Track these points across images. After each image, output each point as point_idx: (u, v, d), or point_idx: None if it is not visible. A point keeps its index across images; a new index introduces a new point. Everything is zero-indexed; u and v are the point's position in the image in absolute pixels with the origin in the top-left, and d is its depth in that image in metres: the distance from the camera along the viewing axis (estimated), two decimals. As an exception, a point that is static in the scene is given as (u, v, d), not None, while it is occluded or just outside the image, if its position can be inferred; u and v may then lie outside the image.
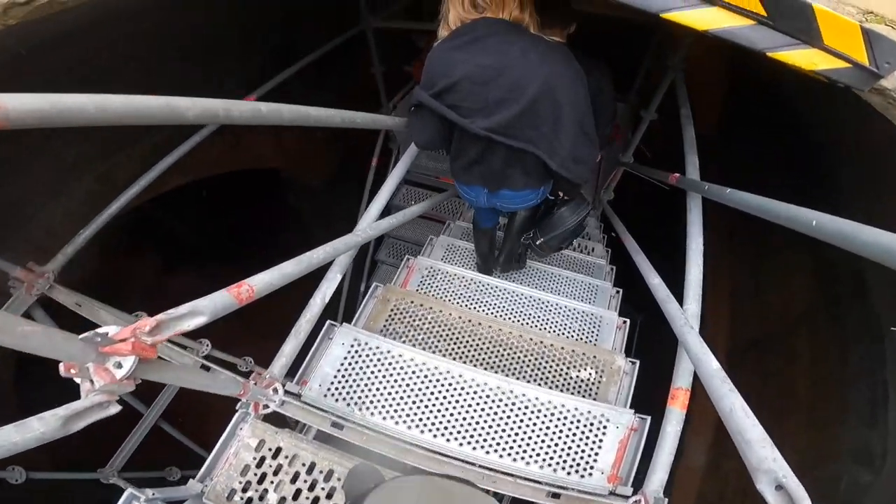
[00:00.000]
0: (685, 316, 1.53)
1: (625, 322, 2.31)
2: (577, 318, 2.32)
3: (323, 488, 1.44)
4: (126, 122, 0.80)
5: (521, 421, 1.64)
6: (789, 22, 1.21)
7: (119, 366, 0.85)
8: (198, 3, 2.66)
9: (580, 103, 1.53)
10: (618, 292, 2.63)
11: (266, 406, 1.56)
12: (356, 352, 1.83)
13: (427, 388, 1.73)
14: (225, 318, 1.07)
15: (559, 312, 2.33)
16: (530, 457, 1.57)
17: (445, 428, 1.63)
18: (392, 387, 1.74)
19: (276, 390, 1.58)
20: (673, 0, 1.27)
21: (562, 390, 1.86)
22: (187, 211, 5.31)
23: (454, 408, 1.67)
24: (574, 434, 1.62)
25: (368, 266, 4.83)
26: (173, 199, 4.33)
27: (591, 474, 1.53)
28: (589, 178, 2.29)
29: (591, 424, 1.64)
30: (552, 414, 1.66)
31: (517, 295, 2.41)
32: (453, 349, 2.02)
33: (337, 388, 1.73)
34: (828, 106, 2.04)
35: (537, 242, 2.27)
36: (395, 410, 1.67)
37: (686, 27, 1.28)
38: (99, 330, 0.83)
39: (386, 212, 4.64)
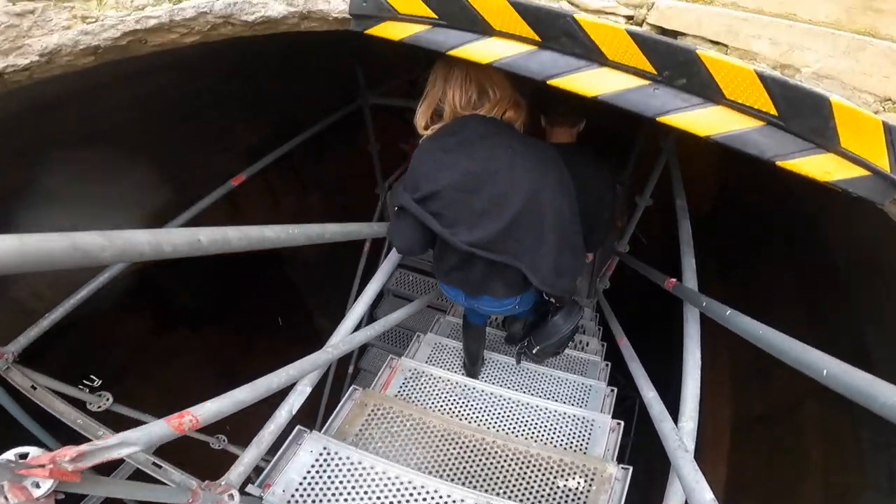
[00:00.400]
0: (680, 436, 1.41)
1: (619, 424, 2.18)
2: (567, 422, 2.19)
3: None
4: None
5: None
6: (803, 121, 1.04)
7: (37, 485, 0.80)
8: (206, 69, 2.75)
9: (565, 215, 1.49)
10: (612, 391, 2.50)
11: (220, 512, 1.41)
12: (325, 460, 1.73)
13: (399, 505, 1.58)
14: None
15: (548, 417, 2.20)
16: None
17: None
18: (361, 501, 1.62)
19: (231, 497, 1.45)
20: (671, 101, 1.14)
21: (548, 501, 1.74)
22: (182, 275, 5.29)
23: (427, 529, 1.51)
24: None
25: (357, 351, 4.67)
26: (169, 263, 4.33)
27: None
28: (575, 290, 2.23)
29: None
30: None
31: (504, 399, 2.30)
32: (432, 460, 1.87)
33: (302, 496, 1.64)
34: (832, 199, 2.00)
35: (533, 351, 2.19)
36: (363, 527, 1.51)
37: (686, 132, 1.16)
38: (20, 450, 0.82)
39: (378, 298, 4.55)
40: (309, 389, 1.57)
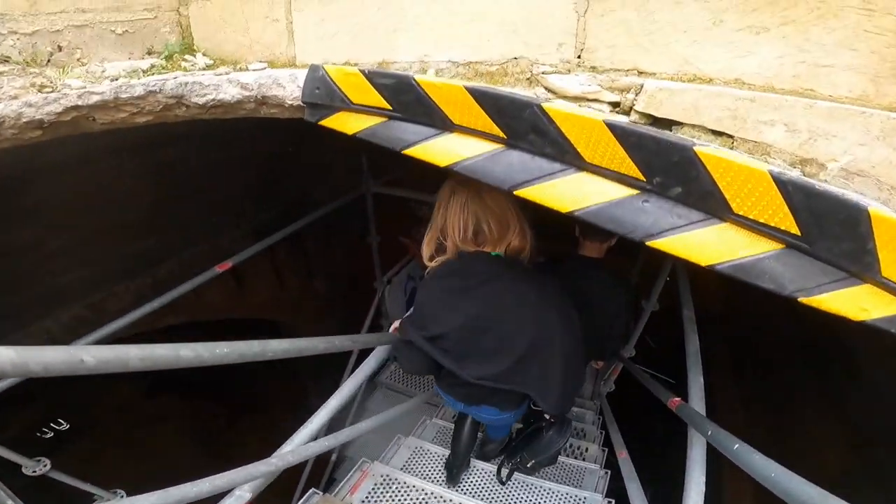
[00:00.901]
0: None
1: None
2: (556, 543, 1.82)
3: None
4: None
5: None
6: (833, 244, 0.78)
7: None
8: (223, 141, 2.92)
9: (570, 349, 1.49)
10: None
11: None
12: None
13: None
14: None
15: (535, 537, 1.84)
16: None
17: None
18: None
19: None
20: (664, 217, 0.89)
21: None
22: (177, 340, 5.21)
23: None
24: None
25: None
26: (165, 334, 4.30)
27: None
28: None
29: None
30: None
31: (483, 517, 1.99)
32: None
33: None
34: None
35: (528, 465, 2.11)
36: None
37: (685, 260, 0.91)
38: None
39: (371, 388, 4.26)
40: (249, 496, 1.35)
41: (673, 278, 2.55)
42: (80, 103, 1.12)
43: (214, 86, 1.23)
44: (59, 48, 1.14)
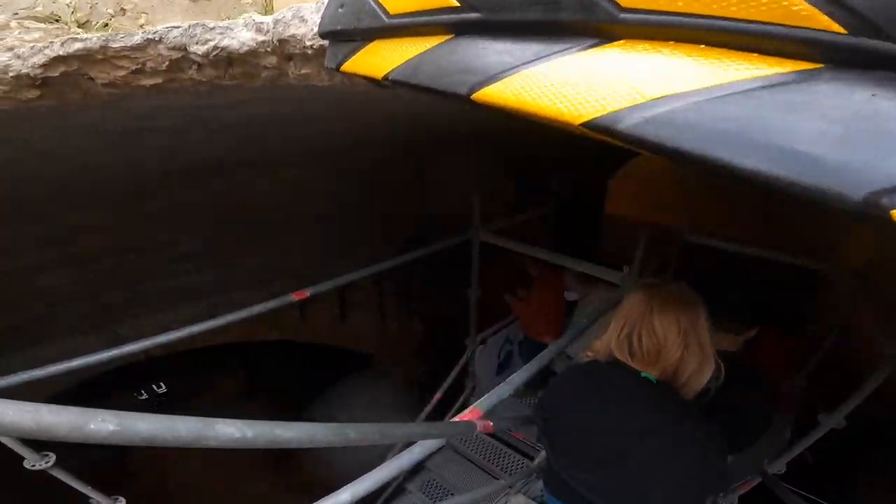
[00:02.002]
0: None
1: None
2: None
3: None
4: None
5: None
6: None
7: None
8: (335, 169, 2.98)
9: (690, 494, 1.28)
10: None
11: None
12: None
13: None
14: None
15: None
16: None
17: None
18: None
19: None
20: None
21: None
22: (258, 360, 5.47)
23: None
24: None
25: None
26: (269, 348, 4.54)
27: None
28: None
29: None
30: None
31: None
32: None
33: None
34: None
35: None
36: None
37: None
38: None
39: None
40: None
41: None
42: (62, 52, 0.88)
43: (222, 29, 0.90)
44: (123, 11, 1.05)
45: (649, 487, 1.26)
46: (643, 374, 1.32)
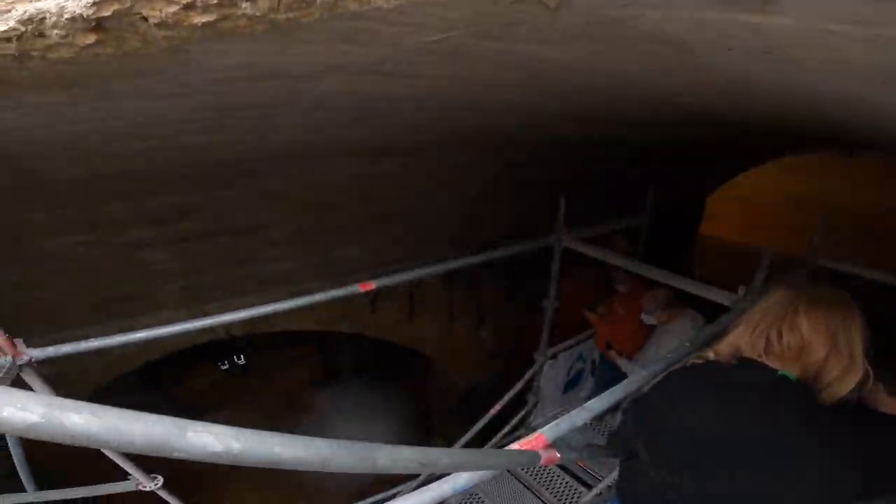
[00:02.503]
0: None
1: None
2: None
3: None
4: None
5: None
6: None
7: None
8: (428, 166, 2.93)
9: None
10: None
11: None
12: None
13: None
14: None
15: None
16: None
17: None
18: None
19: None
20: None
21: None
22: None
23: None
24: None
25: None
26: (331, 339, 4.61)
27: None
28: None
29: None
30: None
31: None
32: None
33: None
34: None
35: None
36: None
37: None
38: None
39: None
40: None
41: None
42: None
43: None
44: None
45: (782, 492, 1.14)
46: (781, 373, 1.20)
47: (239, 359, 7.48)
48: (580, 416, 1.29)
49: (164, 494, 1.91)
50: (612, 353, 3.50)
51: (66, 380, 3.21)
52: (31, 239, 2.28)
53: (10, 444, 1.71)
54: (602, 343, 3.64)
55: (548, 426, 1.23)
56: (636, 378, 1.53)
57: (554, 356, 3.76)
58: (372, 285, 2.03)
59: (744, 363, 1.26)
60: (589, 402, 1.35)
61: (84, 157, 1.66)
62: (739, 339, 1.28)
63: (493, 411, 3.84)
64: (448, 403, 5.34)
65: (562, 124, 2.39)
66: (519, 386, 3.76)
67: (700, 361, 1.36)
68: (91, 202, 2.12)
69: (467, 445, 3.94)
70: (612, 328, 3.46)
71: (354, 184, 2.81)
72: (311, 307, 3.77)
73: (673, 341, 2.91)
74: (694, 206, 7.25)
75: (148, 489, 1.83)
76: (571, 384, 4.29)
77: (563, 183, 3.45)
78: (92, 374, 3.28)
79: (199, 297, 3.25)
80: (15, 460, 1.74)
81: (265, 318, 3.56)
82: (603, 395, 1.38)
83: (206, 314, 3.44)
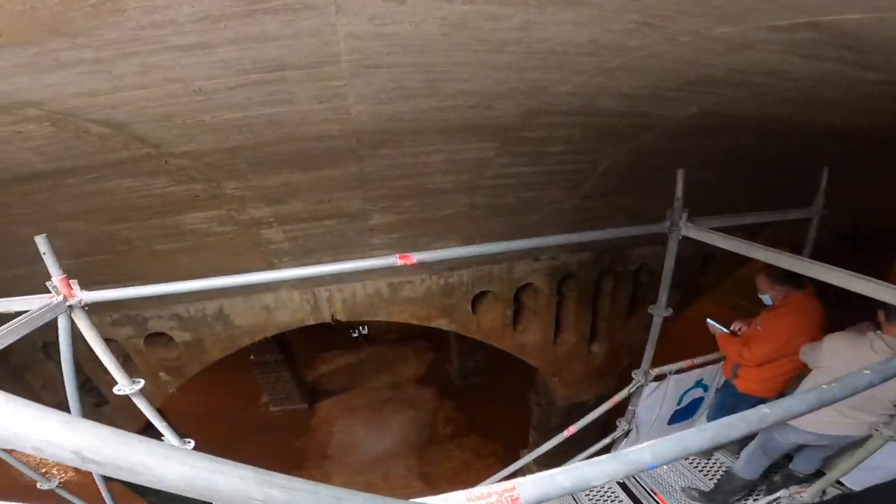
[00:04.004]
0: None
1: None
2: None
3: None
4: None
5: None
6: None
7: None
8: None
9: None
10: None
11: None
12: None
13: None
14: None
15: None
16: None
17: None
18: None
19: None
20: None
21: None
22: None
23: None
24: None
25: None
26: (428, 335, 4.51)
27: None
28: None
29: None
30: None
31: None
32: None
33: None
34: None
35: None
36: None
37: None
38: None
39: None
40: None
41: None
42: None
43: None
44: None
45: None
46: None
47: (363, 329, 9.89)
48: (671, 446, 0.83)
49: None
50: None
51: (200, 346, 3.65)
52: (167, 214, 2.58)
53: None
54: (729, 368, 2.91)
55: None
56: (778, 410, 1.00)
57: (660, 377, 3.09)
58: (412, 257, 1.82)
59: None
60: (688, 432, 0.87)
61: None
62: None
63: (566, 433, 3.33)
64: (549, 418, 4.91)
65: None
66: (605, 408, 3.19)
67: None
68: (213, 177, 2.30)
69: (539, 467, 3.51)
70: (746, 352, 2.68)
71: (461, 171, 2.67)
72: (412, 302, 3.80)
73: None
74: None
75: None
76: (683, 415, 3.51)
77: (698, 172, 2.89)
78: (222, 342, 3.66)
79: (309, 279, 3.43)
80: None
81: (367, 306, 3.70)
82: (711, 423, 0.90)
83: (316, 297, 3.64)
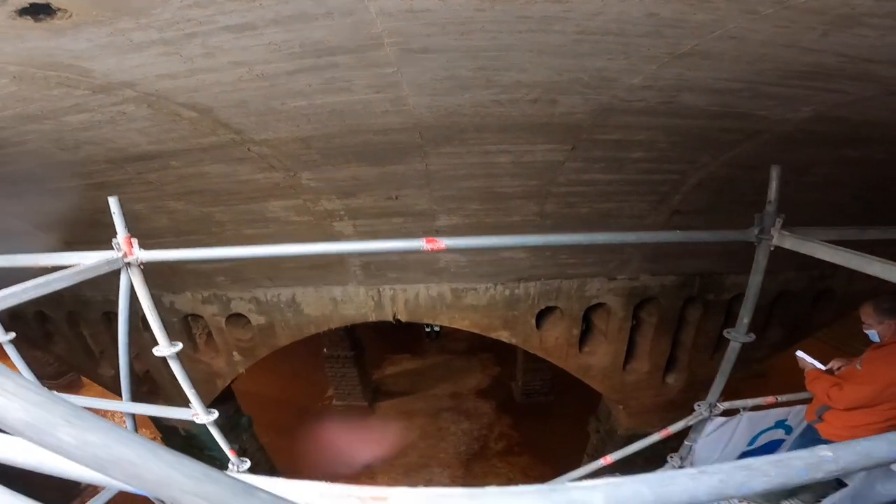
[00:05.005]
0: None
1: None
2: None
3: None
4: None
5: None
6: None
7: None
8: None
9: None
10: None
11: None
12: None
13: None
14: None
15: None
16: None
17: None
18: None
19: None
20: None
21: None
22: None
23: None
24: None
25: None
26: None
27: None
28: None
29: None
30: None
31: None
32: None
33: None
34: None
35: None
36: None
37: None
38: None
39: None
40: None
41: None
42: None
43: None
44: None
45: None
46: None
47: (434, 328, 10.20)
48: (639, 489, 0.60)
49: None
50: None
51: (271, 330, 3.89)
52: (253, 200, 2.79)
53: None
54: (814, 411, 2.44)
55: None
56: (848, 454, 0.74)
57: (730, 413, 2.66)
58: (440, 243, 1.71)
59: None
60: (674, 472, 0.62)
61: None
62: None
63: (602, 461, 2.97)
64: (605, 446, 4.52)
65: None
66: (652, 439, 2.80)
67: None
68: (290, 167, 2.44)
69: None
70: (836, 392, 2.24)
71: (530, 175, 2.57)
72: (474, 309, 3.72)
73: None
74: None
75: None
76: (754, 456, 2.96)
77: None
78: (290, 329, 3.87)
79: (376, 277, 3.51)
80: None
81: (429, 309, 3.69)
82: (721, 466, 0.63)
83: (380, 294, 3.71)
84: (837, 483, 2.22)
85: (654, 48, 1.45)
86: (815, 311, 3.96)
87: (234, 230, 3.15)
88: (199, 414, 2.15)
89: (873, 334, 2.30)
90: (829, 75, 1.54)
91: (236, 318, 3.92)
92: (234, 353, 4.13)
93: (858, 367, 2.31)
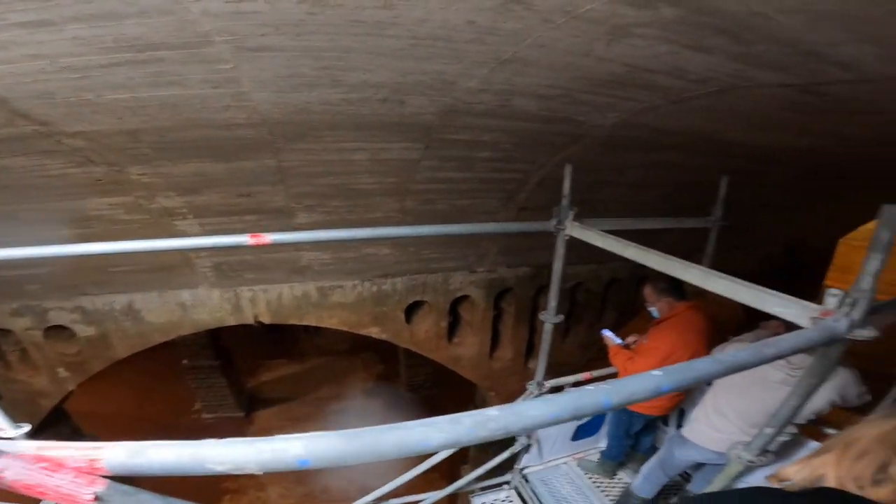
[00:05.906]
0: None
1: None
2: None
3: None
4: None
5: None
6: None
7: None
8: None
9: None
10: None
11: None
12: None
13: None
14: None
15: None
16: None
17: None
18: None
19: None
20: None
21: None
22: None
23: None
24: None
25: None
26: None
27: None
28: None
29: None
30: None
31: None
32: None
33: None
34: None
35: None
36: None
37: None
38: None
39: None
40: None
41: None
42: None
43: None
44: None
45: None
46: None
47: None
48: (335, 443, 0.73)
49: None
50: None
51: (104, 342, 3.40)
52: (67, 198, 2.40)
53: None
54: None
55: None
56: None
57: (557, 389, 3.06)
58: (266, 239, 1.73)
59: (833, 497, 0.93)
60: (377, 428, 0.77)
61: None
62: (828, 468, 0.98)
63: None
64: None
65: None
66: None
67: (769, 487, 1.03)
68: (114, 161, 2.16)
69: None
70: (630, 364, 2.67)
71: (387, 172, 2.61)
72: (342, 307, 3.68)
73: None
74: (812, 249, 6.03)
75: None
76: (587, 431, 3.48)
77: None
78: (131, 339, 3.41)
79: (231, 278, 3.26)
80: None
81: (294, 309, 3.55)
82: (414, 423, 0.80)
83: (238, 297, 3.47)
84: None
85: (481, 54, 1.56)
86: (638, 294, 4.68)
87: (47, 231, 2.68)
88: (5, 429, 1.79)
89: (654, 311, 2.76)
90: (623, 84, 1.76)
91: (58, 331, 3.33)
92: (60, 370, 3.51)
93: (645, 341, 2.76)
